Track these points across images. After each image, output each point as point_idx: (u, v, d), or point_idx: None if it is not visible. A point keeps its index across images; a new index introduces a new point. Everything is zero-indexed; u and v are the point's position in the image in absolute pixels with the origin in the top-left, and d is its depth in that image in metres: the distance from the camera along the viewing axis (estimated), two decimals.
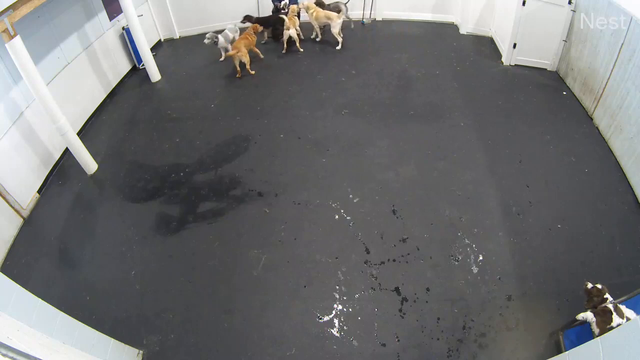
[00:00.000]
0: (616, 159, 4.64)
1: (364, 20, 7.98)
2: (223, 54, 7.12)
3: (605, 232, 3.94)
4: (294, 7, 7.18)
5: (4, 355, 1.57)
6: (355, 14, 7.93)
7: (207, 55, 7.27)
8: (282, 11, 7.31)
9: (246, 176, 4.83)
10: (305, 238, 4.11)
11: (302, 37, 7.39)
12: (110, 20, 6.40)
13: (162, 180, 4.89)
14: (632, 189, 4.30)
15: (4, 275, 2.37)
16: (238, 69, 6.57)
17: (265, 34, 7.51)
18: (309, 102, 5.95)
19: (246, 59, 6.44)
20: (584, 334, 2.90)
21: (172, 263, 4.00)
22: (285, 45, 7.12)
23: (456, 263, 3.81)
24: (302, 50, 7.16)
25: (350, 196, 4.48)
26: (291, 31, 6.89)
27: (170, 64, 7.17)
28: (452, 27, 7.70)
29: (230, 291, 3.73)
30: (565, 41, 5.84)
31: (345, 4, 7.41)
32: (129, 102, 6.34)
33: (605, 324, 2.67)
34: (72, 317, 2.70)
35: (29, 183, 4.70)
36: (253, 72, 6.62)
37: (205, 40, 6.82)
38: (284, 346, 3.32)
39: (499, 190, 4.45)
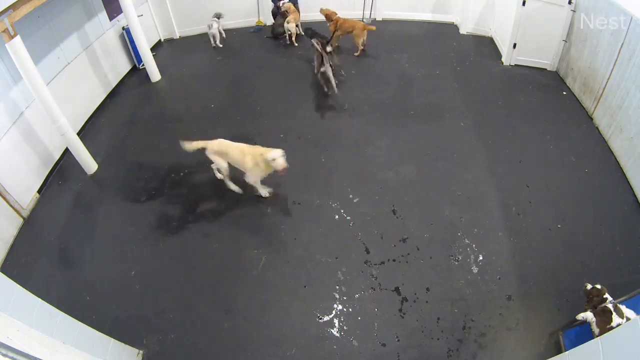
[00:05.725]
0: (616, 159, 4.64)
1: (364, 20, 7.97)
2: (212, 40, 7.47)
3: (605, 232, 3.94)
4: (289, 5, 7.34)
5: (4, 355, 1.57)
6: (356, 14, 7.92)
7: (207, 55, 7.27)
8: (282, 10, 7.33)
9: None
10: (305, 238, 4.11)
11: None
12: (110, 20, 6.40)
13: (162, 180, 4.88)
14: (632, 189, 4.30)
15: (4, 275, 2.37)
16: (287, 38, 7.32)
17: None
18: (309, 102, 5.95)
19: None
20: (584, 334, 2.90)
21: (172, 263, 4.00)
22: (287, 38, 7.37)
23: (456, 263, 3.80)
24: (297, 44, 7.35)
25: (350, 196, 4.48)
26: (291, 25, 7.08)
27: (170, 64, 7.16)
28: (452, 27, 7.70)
29: (230, 291, 3.72)
30: (565, 41, 5.84)
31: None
32: (129, 102, 6.34)
33: (605, 324, 2.66)
34: (72, 317, 2.69)
35: (29, 183, 4.70)
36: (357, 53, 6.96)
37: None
38: (284, 346, 3.32)
39: (499, 190, 4.44)
